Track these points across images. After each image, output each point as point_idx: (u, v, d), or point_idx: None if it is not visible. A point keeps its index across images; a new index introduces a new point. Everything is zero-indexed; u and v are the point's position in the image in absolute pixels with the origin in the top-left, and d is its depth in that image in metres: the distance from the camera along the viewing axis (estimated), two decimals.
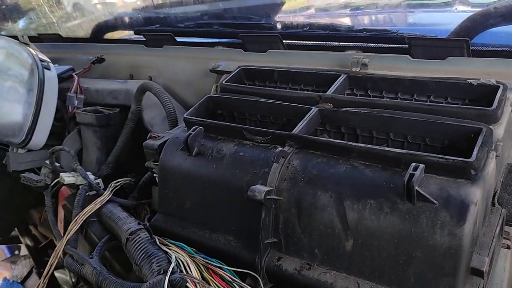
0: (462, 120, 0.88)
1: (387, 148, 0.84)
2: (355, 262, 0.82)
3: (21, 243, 2.33)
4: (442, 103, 1.01)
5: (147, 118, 1.54)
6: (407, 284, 0.77)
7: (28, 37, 1.78)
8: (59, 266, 1.48)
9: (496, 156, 0.83)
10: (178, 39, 1.73)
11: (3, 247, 2.82)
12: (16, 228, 2.15)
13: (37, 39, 2.14)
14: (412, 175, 0.74)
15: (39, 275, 2.31)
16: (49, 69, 1.58)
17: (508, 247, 0.94)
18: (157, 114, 1.55)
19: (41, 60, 1.58)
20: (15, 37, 1.73)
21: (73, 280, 2.02)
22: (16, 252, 2.77)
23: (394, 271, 0.78)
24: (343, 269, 0.84)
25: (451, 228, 0.73)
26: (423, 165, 0.76)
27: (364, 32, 1.39)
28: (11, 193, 1.72)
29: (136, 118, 1.52)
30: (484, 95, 0.97)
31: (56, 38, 2.13)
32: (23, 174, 1.51)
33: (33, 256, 2.27)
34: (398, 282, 0.78)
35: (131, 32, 2.09)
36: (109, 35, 2.18)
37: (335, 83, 1.11)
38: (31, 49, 1.60)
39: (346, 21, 1.61)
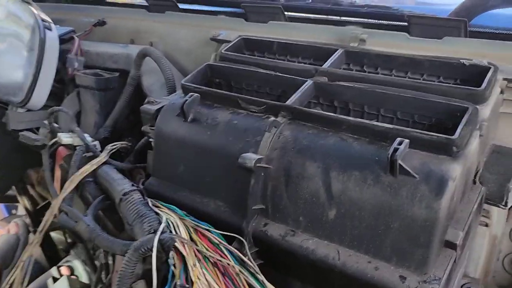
0: (450, 99, 0.90)
1: (375, 123, 0.86)
2: (336, 231, 0.86)
3: (18, 202, 2.36)
4: (434, 81, 1.03)
5: (146, 83, 1.55)
6: (383, 253, 0.81)
7: None
8: (56, 227, 1.52)
9: (480, 135, 0.85)
10: (181, 5, 1.73)
11: (1, 206, 2.86)
12: (14, 187, 2.19)
13: None
14: (396, 149, 0.77)
15: None
16: (50, 29, 1.58)
17: (486, 225, 0.97)
18: (156, 80, 1.56)
19: (43, 20, 1.58)
20: None
21: (69, 240, 2.07)
22: (13, 211, 2.82)
23: (372, 240, 0.82)
24: (325, 236, 0.87)
25: (429, 202, 0.76)
26: (408, 140, 0.79)
27: (366, 8, 1.39)
28: (9, 151, 1.75)
29: (135, 83, 1.53)
30: (475, 76, 0.98)
31: None
32: (22, 133, 1.54)
33: (30, 216, 2.32)
34: (376, 251, 0.82)
35: None
36: None
37: (332, 57, 1.12)
38: (33, 8, 1.60)
39: None
